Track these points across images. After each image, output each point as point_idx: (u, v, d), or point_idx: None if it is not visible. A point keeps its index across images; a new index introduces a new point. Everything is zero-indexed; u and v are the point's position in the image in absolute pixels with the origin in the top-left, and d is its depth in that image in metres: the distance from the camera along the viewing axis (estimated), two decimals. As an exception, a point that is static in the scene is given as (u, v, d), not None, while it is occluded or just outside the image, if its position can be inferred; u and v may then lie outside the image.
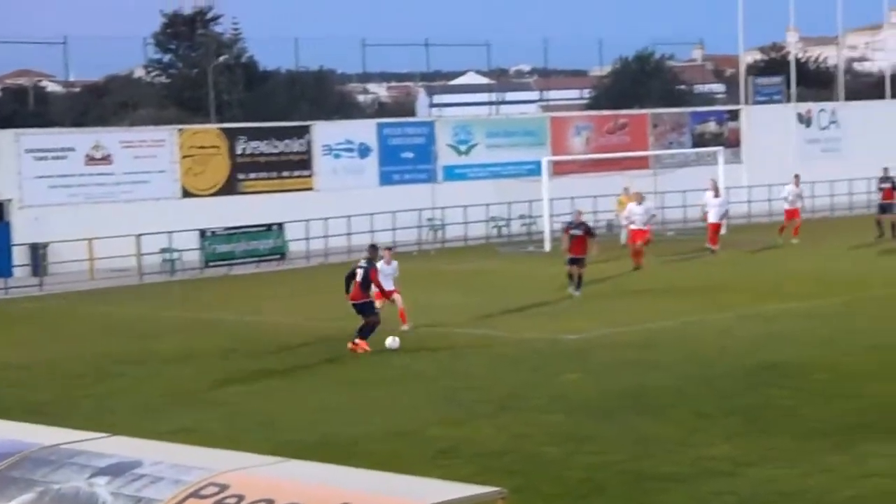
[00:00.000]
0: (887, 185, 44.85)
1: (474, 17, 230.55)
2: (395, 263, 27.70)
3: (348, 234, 46.34)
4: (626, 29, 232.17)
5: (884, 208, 44.41)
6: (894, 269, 35.18)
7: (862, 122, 63.58)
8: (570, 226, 33.40)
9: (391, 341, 25.02)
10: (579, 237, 32.48)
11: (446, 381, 22.07)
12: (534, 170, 50.03)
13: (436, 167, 51.44)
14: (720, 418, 18.25)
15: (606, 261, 36.71)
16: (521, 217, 51.34)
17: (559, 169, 52.75)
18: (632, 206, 39.86)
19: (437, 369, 23.21)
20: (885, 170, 45.76)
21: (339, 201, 47.84)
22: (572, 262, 32.38)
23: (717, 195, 42.90)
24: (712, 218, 42.17)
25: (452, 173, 52.54)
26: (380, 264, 26.34)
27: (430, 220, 49.41)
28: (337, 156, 50.29)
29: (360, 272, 25.60)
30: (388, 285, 26.54)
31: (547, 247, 45.35)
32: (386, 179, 51.11)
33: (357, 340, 25.05)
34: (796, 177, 46.10)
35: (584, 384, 21.24)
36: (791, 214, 44.75)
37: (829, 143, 62.99)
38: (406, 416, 19.38)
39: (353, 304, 25.56)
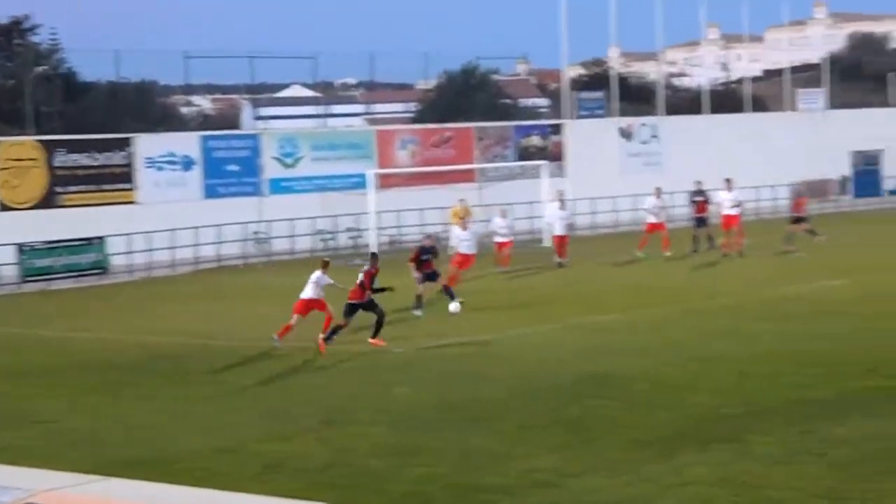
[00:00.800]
0: (701, 199, 45.43)
1: (299, 30, 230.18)
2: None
3: (172, 247, 45.76)
4: (451, 42, 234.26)
5: (699, 222, 45.02)
6: (711, 282, 35.96)
7: (681, 137, 64.98)
8: (421, 251, 32.52)
9: (455, 307, 29.11)
10: (429, 261, 32.29)
11: (272, 395, 21.89)
12: (360, 183, 50.00)
13: (261, 180, 51.11)
14: (545, 429, 18.41)
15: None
16: (348, 230, 51.29)
17: (385, 182, 52.79)
18: (456, 231, 38.00)
19: (263, 384, 23.00)
20: (699, 183, 46.12)
21: (163, 215, 47.21)
22: (428, 277, 31.80)
23: (562, 207, 42.86)
24: (558, 230, 42.26)
25: (278, 186, 52.23)
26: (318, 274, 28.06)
27: (255, 233, 49.04)
28: (160, 168, 49.58)
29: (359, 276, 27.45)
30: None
31: (373, 260, 45.25)
32: (210, 192, 50.56)
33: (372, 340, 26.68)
34: (657, 189, 45.23)
35: (413, 397, 21.25)
36: (655, 227, 43.68)
37: (650, 156, 64.21)
38: (231, 431, 19.16)
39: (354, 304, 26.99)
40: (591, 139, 62.07)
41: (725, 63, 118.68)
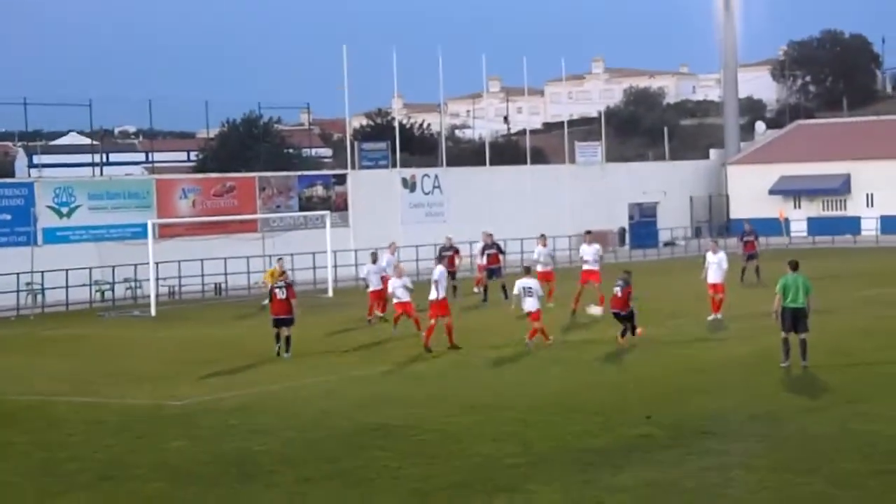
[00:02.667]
0: (493, 251, 44.31)
1: (75, 75, 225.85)
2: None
3: (-62, 299, 44.10)
4: (233, 91, 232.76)
5: (491, 273, 44.42)
6: (498, 330, 35.88)
7: (463, 188, 65.59)
8: (274, 286, 32.05)
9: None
10: (282, 300, 31.46)
11: (42, 452, 21.07)
12: (139, 233, 49.09)
13: (35, 230, 49.67)
14: (323, 482, 18.11)
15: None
16: (126, 280, 50.14)
17: (166, 232, 51.95)
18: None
19: (32, 440, 22.14)
20: (490, 236, 45.35)
21: (-71, 264, 45.58)
22: (278, 322, 31.40)
23: (374, 261, 39.60)
24: (375, 285, 38.61)
25: (53, 236, 50.87)
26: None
27: (28, 284, 47.55)
28: (-74, 217, 47.93)
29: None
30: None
31: (153, 311, 44.38)
32: (-20, 242, 49.04)
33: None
34: (542, 237, 42.74)
35: (189, 451, 20.72)
36: (545, 277, 40.23)
37: (433, 207, 64.63)
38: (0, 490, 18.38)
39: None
40: (374, 189, 62.24)
41: (507, 116, 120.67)
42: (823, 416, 21.66)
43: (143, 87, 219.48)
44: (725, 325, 34.86)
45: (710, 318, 35.94)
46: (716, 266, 36.43)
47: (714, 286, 36.30)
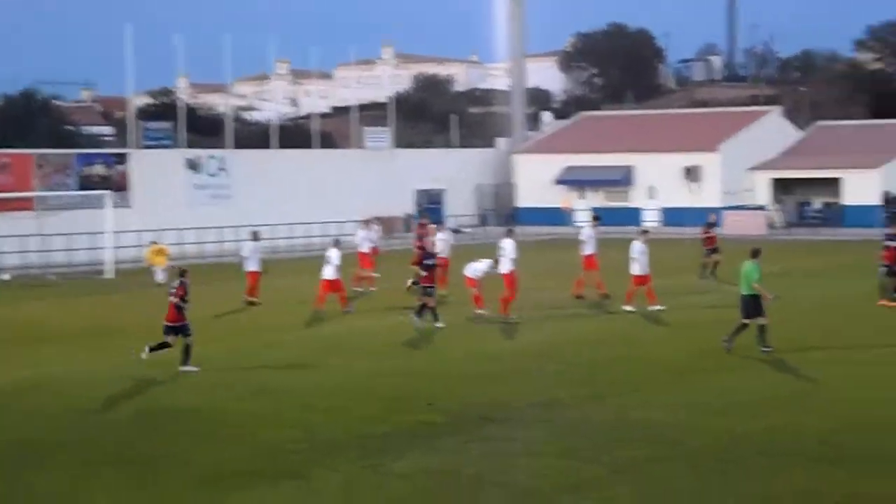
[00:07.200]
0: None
1: None
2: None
3: None
4: (10, 66, 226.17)
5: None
6: (280, 317, 35.57)
7: (250, 170, 64.92)
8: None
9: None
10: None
11: None
12: None
13: None
14: (107, 467, 17.67)
15: None
16: None
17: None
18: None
19: None
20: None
21: None
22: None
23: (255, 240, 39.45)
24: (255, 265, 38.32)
25: None
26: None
27: None
28: None
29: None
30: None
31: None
32: None
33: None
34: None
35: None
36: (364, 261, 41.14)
37: (219, 189, 63.78)
38: None
39: None
40: (157, 170, 61.13)
41: (294, 98, 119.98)
42: (606, 405, 21.96)
43: None
44: (521, 314, 34.37)
45: (653, 308, 34.10)
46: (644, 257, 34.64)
47: (643, 278, 34.45)
